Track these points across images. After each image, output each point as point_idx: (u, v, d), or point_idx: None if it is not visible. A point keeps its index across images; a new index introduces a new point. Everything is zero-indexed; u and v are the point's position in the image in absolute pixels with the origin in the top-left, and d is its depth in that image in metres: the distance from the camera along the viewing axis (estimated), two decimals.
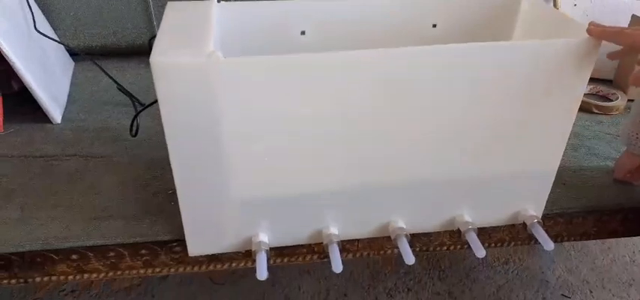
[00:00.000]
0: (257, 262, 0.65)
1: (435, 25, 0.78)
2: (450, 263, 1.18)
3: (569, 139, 0.88)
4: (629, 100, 1.10)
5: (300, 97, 0.58)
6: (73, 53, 1.24)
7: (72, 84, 1.14)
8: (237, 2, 0.73)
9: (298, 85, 0.57)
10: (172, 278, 1.16)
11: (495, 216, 0.74)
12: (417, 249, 0.79)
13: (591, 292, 1.14)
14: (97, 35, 1.26)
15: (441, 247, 0.80)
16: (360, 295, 1.11)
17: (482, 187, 0.70)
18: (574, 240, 0.85)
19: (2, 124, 0.96)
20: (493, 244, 0.82)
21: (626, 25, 1.12)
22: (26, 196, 0.78)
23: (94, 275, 0.74)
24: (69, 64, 1.20)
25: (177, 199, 0.64)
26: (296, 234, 0.70)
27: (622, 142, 0.86)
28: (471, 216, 0.72)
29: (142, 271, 0.75)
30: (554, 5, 1.17)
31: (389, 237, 0.71)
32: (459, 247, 0.81)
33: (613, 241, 1.23)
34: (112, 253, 0.72)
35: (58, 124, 1.00)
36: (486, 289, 1.13)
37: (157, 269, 0.75)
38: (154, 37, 1.10)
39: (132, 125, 0.94)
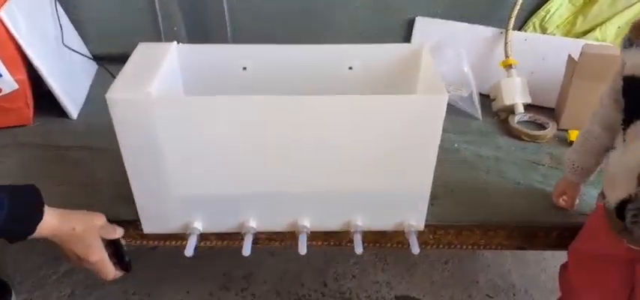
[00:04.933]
0: (188, 242, 0.88)
1: (350, 68, 0.96)
2: (395, 259, 1.37)
3: (487, 161, 1.06)
4: (559, 129, 1.24)
5: (215, 125, 0.79)
6: (98, 58, 1.50)
7: (91, 86, 1.41)
8: (194, 45, 0.94)
9: (213, 118, 0.78)
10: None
11: (382, 222, 0.93)
12: (330, 243, 0.99)
13: (514, 295, 1.29)
14: (117, 45, 1.51)
15: (349, 242, 0.99)
16: (313, 276, 1.31)
17: (370, 200, 0.89)
18: (466, 248, 1.02)
19: (32, 118, 1.23)
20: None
21: (563, 66, 1.25)
22: (41, 177, 1.04)
23: None
24: (92, 68, 1.47)
25: None
26: (223, 224, 0.92)
27: (564, 167, 1.00)
28: (363, 221, 0.91)
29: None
30: (506, 39, 1.31)
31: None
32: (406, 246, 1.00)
33: (549, 253, 1.36)
34: None
35: (74, 120, 1.26)
36: (420, 283, 1.31)
37: (129, 240, 0.99)
38: None
39: None
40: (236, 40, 1.51)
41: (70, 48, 1.34)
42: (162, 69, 0.84)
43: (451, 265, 1.36)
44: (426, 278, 1.32)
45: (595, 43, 1.25)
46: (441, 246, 1.01)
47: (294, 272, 1.33)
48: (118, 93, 0.77)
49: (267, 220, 0.92)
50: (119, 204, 0.98)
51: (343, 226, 0.93)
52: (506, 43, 1.31)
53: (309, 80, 0.97)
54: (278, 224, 0.93)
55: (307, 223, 0.91)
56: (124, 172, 1.05)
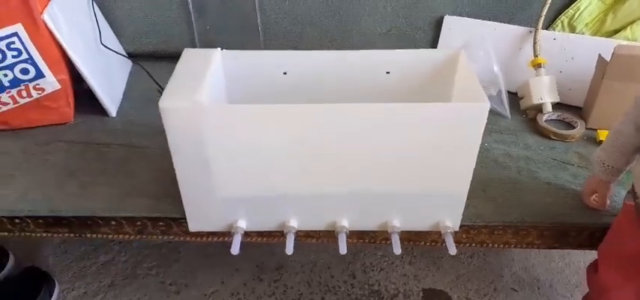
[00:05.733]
0: (233, 241, 0.92)
1: (388, 72, 0.99)
2: (421, 252, 1.40)
3: (517, 160, 1.09)
4: (587, 129, 1.25)
5: (260, 132, 0.83)
6: (132, 56, 1.53)
7: (127, 83, 1.44)
8: (236, 51, 0.97)
9: (259, 125, 0.82)
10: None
11: (418, 223, 0.96)
12: (366, 240, 1.03)
13: (539, 289, 1.32)
14: (151, 43, 1.55)
15: (384, 240, 1.03)
16: (342, 268, 1.36)
17: (408, 202, 0.92)
18: (498, 248, 1.05)
19: (73, 115, 1.27)
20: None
21: (591, 65, 1.26)
22: (84, 175, 1.09)
23: (126, 236, 1.04)
24: (127, 65, 1.51)
25: None
26: (265, 223, 0.96)
27: (591, 166, 1.02)
28: (400, 222, 0.95)
29: (160, 237, 1.04)
30: (535, 38, 1.32)
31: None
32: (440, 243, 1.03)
33: None
34: (139, 223, 1.02)
35: (113, 117, 1.30)
36: (447, 276, 1.34)
37: (171, 237, 1.04)
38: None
39: None
40: (267, 38, 1.53)
41: (107, 47, 1.37)
42: (208, 76, 0.87)
43: (476, 258, 1.39)
44: (452, 271, 1.36)
45: (627, 43, 1.26)
46: (473, 245, 1.04)
47: (324, 264, 1.37)
48: (169, 102, 0.80)
49: (308, 220, 0.96)
50: (164, 202, 1.02)
51: (380, 226, 0.96)
52: (535, 43, 1.32)
53: (347, 84, 1.00)
54: (318, 224, 0.96)
55: (346, 223, 0.95)
56: (165, 171, 1.10)
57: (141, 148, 1.19)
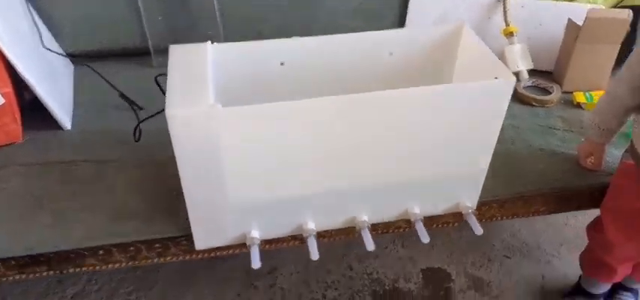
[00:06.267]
0: (251, 253, 0.83)
1: (391, 53, 0.93)
2: (410, 234, 1.38)
3: (507, 131, 1.08)
4: (563, 92, 1.29)
5: (278, 130, 0.75)
6: (72, 57, 1.35)
7: (74, 89, 1.27)
8: (228, 43, 0.87)
9: (277, 123, 0.74)
10: None
11: (438, 207, 0.93)
12: (379, 231, 0.98)
13: (528, 251, 1.36)
14: (94, 41, 1.38)
15: (397, 229, 0.99)
16: (336, 261, 1.30)
17: (428, 187, 0.89)
18: (507, 219, 1.05)
19: (21, 134, 1.10)
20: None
21: (559, 30, 1.29)
22: (54, 202, 0.94)
23: (117, 265, 0.91)
24: (70, 69, 1.33)
25: (181, 199, 0.79)
26: (281, 229, 0.88)
27: (585, 131, 1.03)
28: (420, 208, 0.91)
29: (155, 260, 0.93)
30: (504, 7, 1.33)
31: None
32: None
33: None
34: (131, 248, 0.89)
35: (69, 130, 1.14)
36: (441, 254, 1.34)
37: (168, 258, 0.93)
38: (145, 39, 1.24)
39: (135, 132, 1.08)
40: (226, 26, 1.42)
41: (50, 49, 1.20)
42: (209, 75, 0.77)
43: (466, 233, 1.39)
44: (445, 249, 1.35)
45: (596, 6, 1.30)
46: (484, 220, 1.03)
47: (318, 262, 1.30)
48: (179, 109, 0.69)
49: (326, 219, 0.89)
50: (156, 221, 0.91)
51: (401, 215, 0.92)
52: (505, 11, 1.33)
53: (350, 69, 0.93)
54: (336, 222, 0.90)
55: (366, 217, 0.89)
56: (148, 184, 0.99)
57: (111, 162, 1.05)
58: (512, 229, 1.42)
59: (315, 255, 0.84)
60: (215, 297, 1.22)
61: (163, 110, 0.98)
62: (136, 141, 1.09)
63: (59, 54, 1.26)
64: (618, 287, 1.16)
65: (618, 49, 1.24)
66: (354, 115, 0.76)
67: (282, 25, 1.45)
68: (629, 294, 1.16)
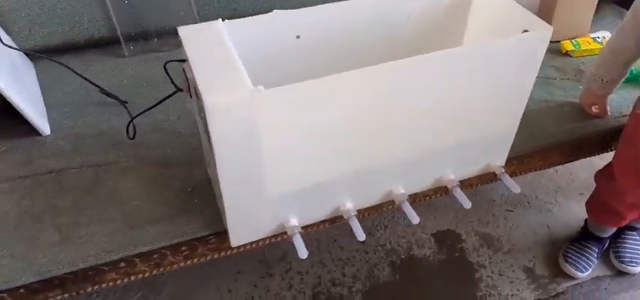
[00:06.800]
0: (295, 243, 0.78)
1: (409, 17, 0.89)
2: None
3: None
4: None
5: (320, 108, 0.69)
6: (29, 53, 1.20)
7: (41, 89, 1.14)
8: (240, 20, 0.79)
9: (319, 100, 0.68)
10: None
11: (471, 169, 0.91)
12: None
13: (528, 202, 1.39)
14: (54, 33, 1.24)
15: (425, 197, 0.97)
16: (347, 237, 1.26)
17: (461, 150, 0.87)
18: (524, 174, 1.05)
19: None
20: None
21: None
22: (56, 216, 0.84)
23: (140, 276, 0.83)
24: (30, 66, 1.19)
25: (198, 195, 0.77)
26: (320, 213, 0.83)
27: (587, 83, 1.04)
28: (454, 173, 0.89)
29: (182, 264, 0.85)
30: None
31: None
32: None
33: None
34: (155, 256, 0.81)
35: (48, 135, 1.02)
36: (447, 216, 1.34)
37: (195, 259, 0.85)
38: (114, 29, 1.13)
39: (128, 129, 0.98)
40: (199, 4, 1.32)
41: (10, 46, 1.06)
42: (236, 56, 0.70)
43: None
44: (449, 211, 1.35)
45: None
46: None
47: (328, 239, 1.27)
48: (218, 96, 0.62)
49: (363, 197, 0.85)
50: (178, 222, 0.83)
51: (436, 182, 0.89)
52: None
53: (368, 36, 0.88)
54: (373, 198, 0.86)
55: (403, 189, 0.86)
56: (158, 184, 0.90)
57: (108, 165, 0.95)
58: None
59: (361, 235, 0.80)
60: (230, 291, 1.15)
61: (161, 102, 0.93)
62: (131, 138, 0.99)
63: (21, 50, 1.11)
64: (623, 227, 1.21)
65: None
66: (392, 84, 0.72)
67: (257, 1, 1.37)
68: (634, 233, 1.21)
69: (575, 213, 1.33)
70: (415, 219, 0.82)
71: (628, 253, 1.19)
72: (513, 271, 1.21)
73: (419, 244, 1.27)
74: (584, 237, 1.22)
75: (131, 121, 0.98)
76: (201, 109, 0.67)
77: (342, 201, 0.83)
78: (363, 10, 0.86)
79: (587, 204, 1.19)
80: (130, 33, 1.29)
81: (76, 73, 1.12)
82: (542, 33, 0.75)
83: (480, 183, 0.99)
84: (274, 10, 0.82)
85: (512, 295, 1.16)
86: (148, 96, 1.05)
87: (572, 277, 1.19)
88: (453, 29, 0.94)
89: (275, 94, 0.64)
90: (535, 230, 1.31)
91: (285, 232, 0.80)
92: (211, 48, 0.71)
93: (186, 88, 0.76)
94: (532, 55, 0.78)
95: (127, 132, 0.98)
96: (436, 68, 0.73)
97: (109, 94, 1.10)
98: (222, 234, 0.82)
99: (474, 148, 0.87)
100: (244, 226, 0.79)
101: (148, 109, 0.96)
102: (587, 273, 1.19)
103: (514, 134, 0.89)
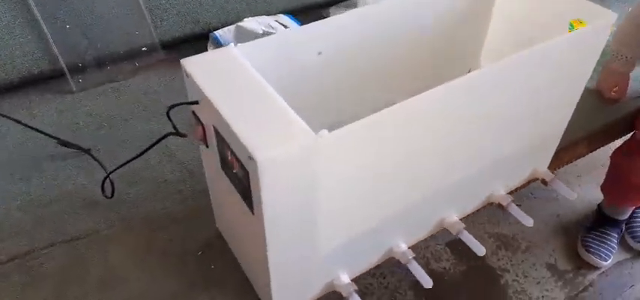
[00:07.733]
0: None
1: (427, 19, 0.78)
2: None
3: None
4: None
5: (384, 142, 0.56)
6: None
7: None
8: (251, 42, 0.64)
9: (380, 137, 0.55)
10: None
11: (518, 178, 0.82)
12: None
13: (534, 193, 1.33)
14: None
15: None
16: None
17: (510, 162, 0.77)
18: (555, 170, 0.98)
19: None
20: None
21: None
22: None
23: None
24: None
25: (212, 259, 0.65)
26: (371, 258, 0.70)
27: (609, 62, 0.97)
28: (503, 187, 0.78)
29: None
30: None
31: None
32: None
33: None
34: None
35: None
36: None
37: None
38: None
39: (103, 186, 0.80)
40: (154, 16, 1.13)
41: None
42: (274, 92, 0.55)
43: None
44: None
45: None
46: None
47: None
48: (274, 150, 0.47)
49: (415, 231, 0.73)
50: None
51: (486, 200, 0.79)
52: None
53: (391, 43, 0.75)
54: (425, 230, 0.74)
55: (455, 214, 0.75)
56: (151, 248, 0.73)
57: (88, 236, 0.76)
58: None
59: (428, 282, 0.67)
60: None
61: (142, 154, 0.72)
62: (109, 198, 0.80)
63: None
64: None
65: None
66: (450, 104, 0.60)
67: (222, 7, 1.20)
68: None
69: (580, 197, 1.28)
70: (480, 251, 0.71)
71: None
72: (536, 270, 1.14)
73: (435, 257, 1.16)
74: (601, 223, 1.17)
75: (107, 176, 0.79)
76: (230, 164, 0.52)
77: (395, 241, 0.70)
78: (378, 17, 0.74)
79: (603, 188, 1.14)
80: (75, 63, 1.08)
81: (17, 121, 0.90)
82: (602, 22, 0.66)
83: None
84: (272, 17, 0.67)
85: (542, 297, 1.09)
86: (114, 138, 0.87)
87: (595, 267, 1.14)
88: (480, 20, 0.83)
89: (340, 136, 0.50)
90: (546, 222, 1.24)
91: (333, 291, 0.66)
92: (239, 84, 0.56)
93: (198, 135, 0.60)
94: (593, 46, 0.68)
95: (103, 190, 0.79)
96: (490, 80, 0.62)
97: (65, 144, 0.90)
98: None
99: (521, 156, 0.78)
100: (290, 292, 0.64)
101: (133, 159, 0.76)
102: (610, 260, 1.14)
103: (562, 133, 0.80)
